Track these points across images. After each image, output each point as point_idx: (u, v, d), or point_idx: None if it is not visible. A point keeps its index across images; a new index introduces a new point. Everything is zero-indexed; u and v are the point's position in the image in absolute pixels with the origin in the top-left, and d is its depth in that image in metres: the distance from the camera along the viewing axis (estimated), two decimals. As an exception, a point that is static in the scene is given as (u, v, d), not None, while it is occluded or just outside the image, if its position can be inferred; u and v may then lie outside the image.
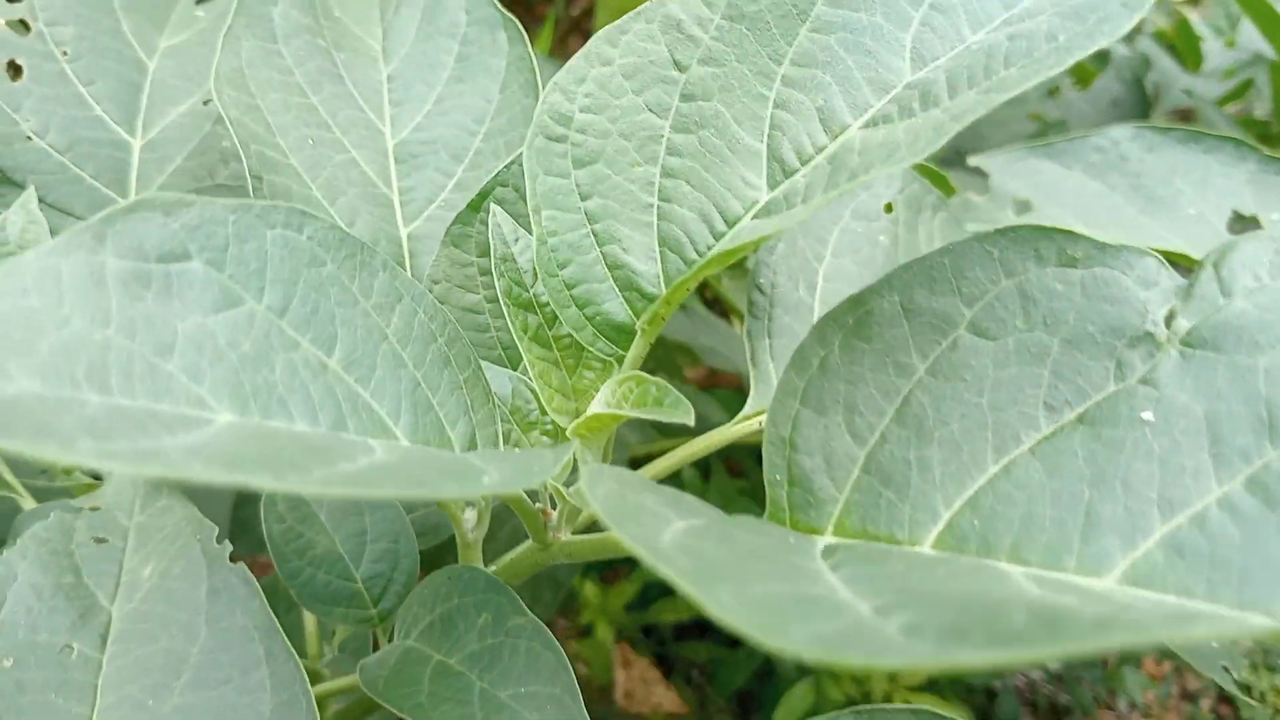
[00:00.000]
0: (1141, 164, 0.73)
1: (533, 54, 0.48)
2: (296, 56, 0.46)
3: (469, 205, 0.41)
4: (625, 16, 0.35)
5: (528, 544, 0.39)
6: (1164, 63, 1.31)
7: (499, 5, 0.49)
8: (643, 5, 0.35)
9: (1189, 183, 0.74)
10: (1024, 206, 0.70)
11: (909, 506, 0.29)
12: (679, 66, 0.35)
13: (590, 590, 1.14)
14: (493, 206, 0.36)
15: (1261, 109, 1.29)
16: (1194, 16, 1.49)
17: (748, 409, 0.46)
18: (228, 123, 0.41)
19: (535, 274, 0.35)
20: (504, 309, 0.35)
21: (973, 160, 0.71)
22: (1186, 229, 0.72)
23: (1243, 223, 0.74)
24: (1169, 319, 0.29)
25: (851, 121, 0.33)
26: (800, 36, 0.34)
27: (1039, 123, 1.28)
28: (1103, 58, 1.53)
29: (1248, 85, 1.25)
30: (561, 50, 1.94)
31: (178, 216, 0.28)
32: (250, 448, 0.24)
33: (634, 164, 0.35)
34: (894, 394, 0.31)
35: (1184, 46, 1.30)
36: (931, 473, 0.29)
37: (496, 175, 0.41)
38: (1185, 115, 1.33)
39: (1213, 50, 1.30)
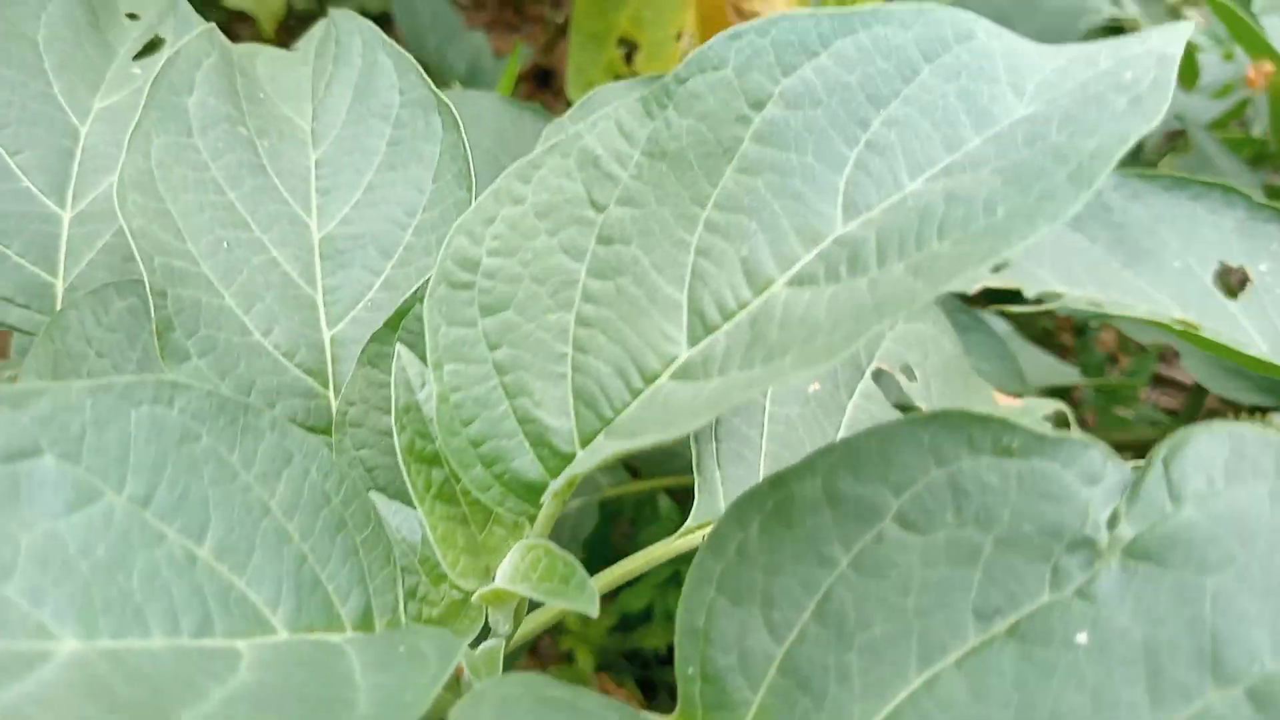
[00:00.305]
0: (1125, 214, 0.70)
1: (464, 142, 0.45)
2: (214, 149, 0.43)
3: (386, 324, 0.38)
4: (539, 150, 0.32)
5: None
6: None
7: (433, 86, 0.47)
8: (558, 138, 0.32)
9: (1175, 232, 0.71)
10: (1000, 263, 0.68)
11: (825, 717, 0.27)
12: (596, 206, 0.32)
13: (570, 618, 1.12)
14: (398, 348, 0.33)
15: (1260, 126, 1.26)
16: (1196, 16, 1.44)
17: (692, 520, 0.43)
18: (129, 235, 0.39)
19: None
20: (403, 466, 0.32)
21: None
22: (1172, 283, 0.69)
23: (1229, 274, 0.71)
24: (1112, 522, 0.26)
25: (777, 275, 0.30)
26: (725, 177, 0.31)
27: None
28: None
29: (1244, 105, 1.21)
30: (546, 58, 1.90)
31: (27, 409, 0.26)
32: (83, 707, 0.22)
33: (548, 311, 0.32)
34: (814, 588, 0.28)
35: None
36: (851, 682, 0.27)
37: (415, 291, 0.38)
38: (1177, 137, 1.29)
39: (1210, 63, 1.26)
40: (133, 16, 0.65)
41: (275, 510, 0.30)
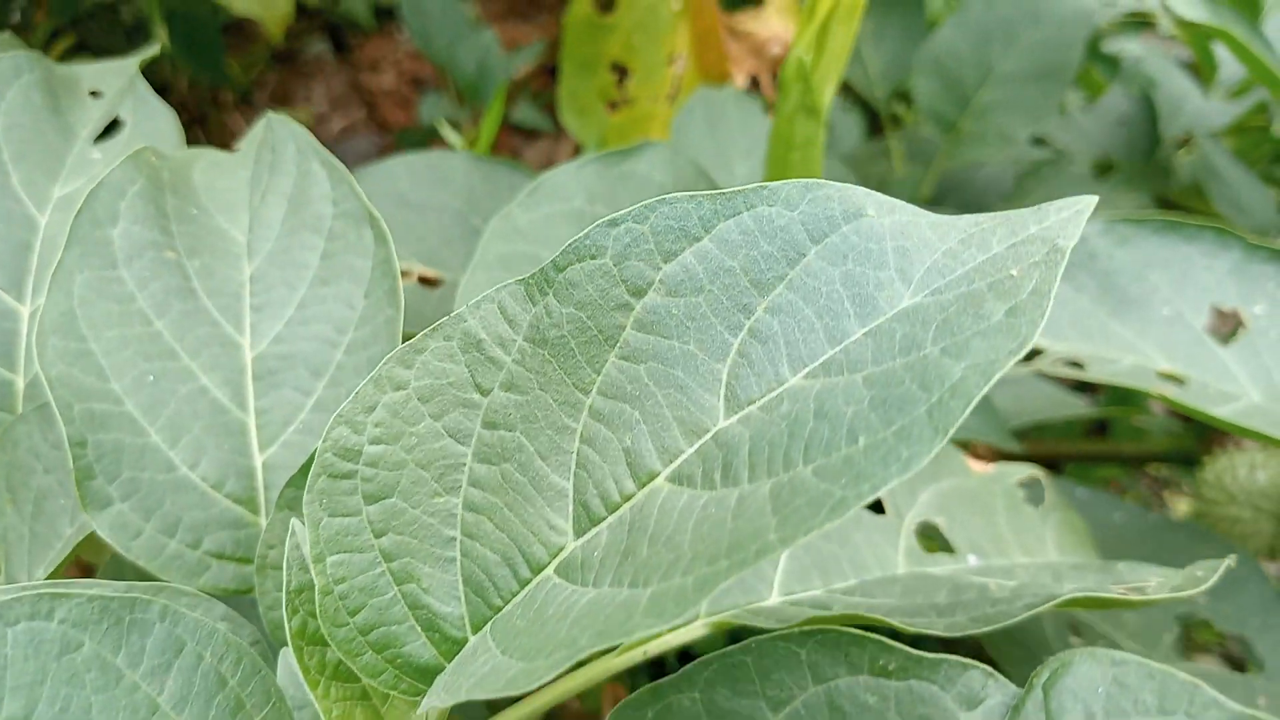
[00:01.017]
0: (1112, 261, 0.67)
1: (394, 257, 0.45)
2: (140, 279, 0.43)
3: (301, 469, 0.38)
4: (422, 334, 0.31)
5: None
6: (1173, 80, 1.22)
7: (363, 197, 0.46)
8: (440, 321, 0.31)
9: (1166, 277, 0.68)
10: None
11: None
12: (480, 390, 0.31)
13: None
14: (293, 523, 0.33)
15: (1284, 121, 1.20)
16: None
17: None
18: (46, 385, 0.39)
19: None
20: (293, 650, 0.32)
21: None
22: (1160, 332, 0.66)
23: (1223, 320, 0.69)
24: (988, 754, 0.25)
25: (660, 468, 0.29)
26: (608, 364, 0.30)
27: (1042, 146, 1.21)
28: (1112, 64, 1.44)
29: (1262, 109, 1.16)
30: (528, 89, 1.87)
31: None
32: None
33: (434, 494, 0.31)
34: (691, 805, 0.27)
35: (1198, 54, 1.21)
36: None
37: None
38: (1187, 142, 1.25)
39: (1228, 58, 1.21)
40: (95, 94, 0.65)
41: (165, 705, 0.30)
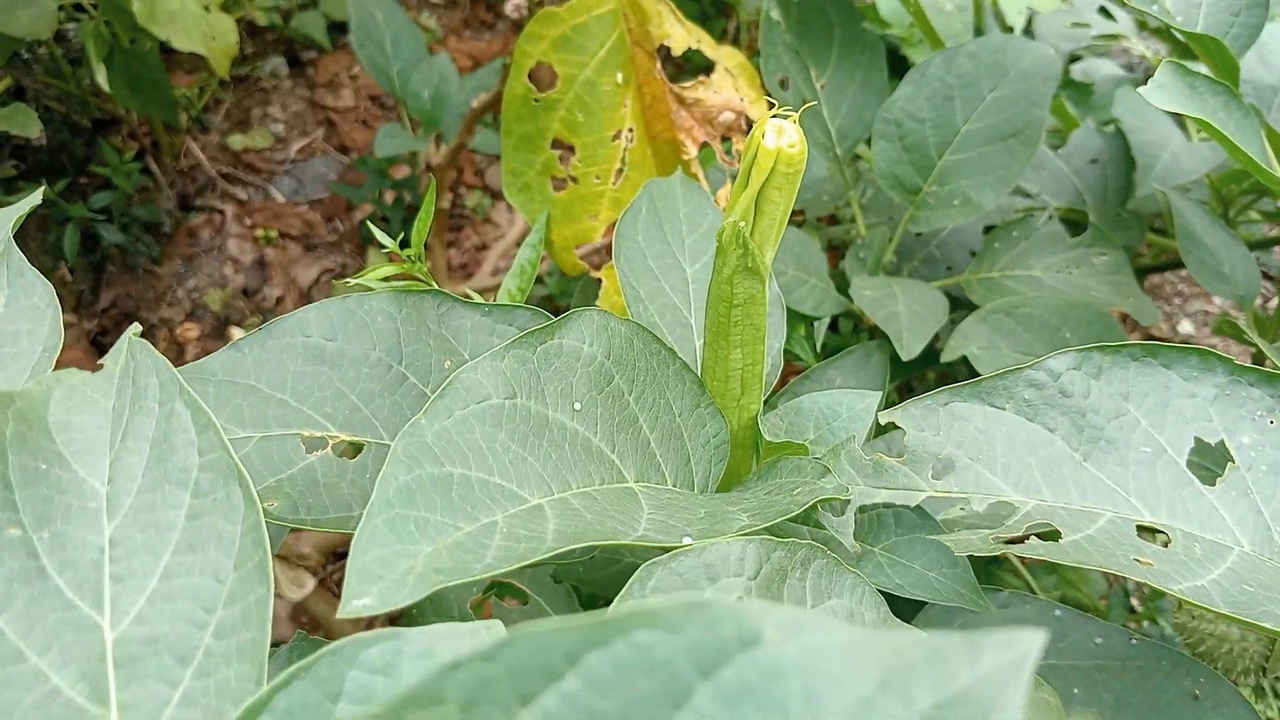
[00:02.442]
0: (1086, 400, 0.62)
1: (263, 524, 0.39)
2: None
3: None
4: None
5: None
6: (1150, 123, 1.17)
7: (230, 448, 0.40)
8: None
9: (1145, 408, 0.63)
10: (946, 465, 0.61)
11: None
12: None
13: None
14: None
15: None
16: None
17: None
18: None
19: None
20: None
21: (885, 416, 0.61)
22: (1140, 475, 0.62)
23: (1207, 455, 0.64)
24: None
25: None
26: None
27: (1018, 195, 1.16)
28: (1083, 91, 1.38)
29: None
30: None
31: None
32: None
33: None
34: None
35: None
36: None
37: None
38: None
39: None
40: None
41: None
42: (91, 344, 1.69)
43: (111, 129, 1.86)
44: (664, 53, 0.96)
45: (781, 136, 0.48)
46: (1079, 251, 1.05)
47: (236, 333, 1.81)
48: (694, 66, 1.40)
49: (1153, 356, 0.64)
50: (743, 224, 0.51)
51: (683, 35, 0.96)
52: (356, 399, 0.63)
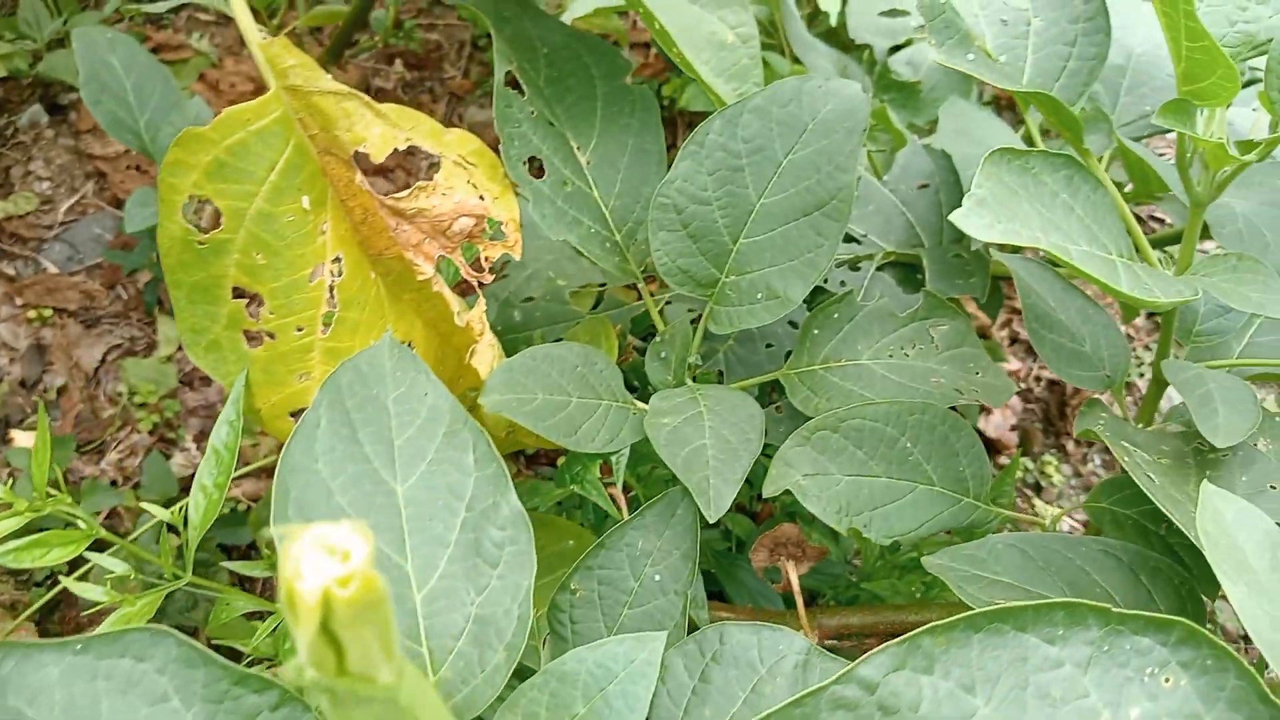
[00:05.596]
0: (916, 714, 0.44)
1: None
2: None
3: None
4: None
5: None
6: (980, 140, 0.99)
7: None
8: None
9: (997, 699, 0.46)
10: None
11: None
12: None
13: None
14: None
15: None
16: None
17: None
18: None
19: None
20: None
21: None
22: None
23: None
24: None
25: None
26: None
27: (844, 240, 0.97)
28: (909, 92, 1.20)
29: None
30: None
31: None
32: None
33: None
34: None
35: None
36: None
37: None
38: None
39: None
40: None
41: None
42: None
43: None
44: (367, 159, 0.74)
45: (330, 564, 0.27)
46: (912, 328, 0.87)
47: (19, 437, 1.52)
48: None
49: (1002, 622, 0.46)
50: (315, 675, 0.30)
51: (385, 133, 0.73)
52: None
